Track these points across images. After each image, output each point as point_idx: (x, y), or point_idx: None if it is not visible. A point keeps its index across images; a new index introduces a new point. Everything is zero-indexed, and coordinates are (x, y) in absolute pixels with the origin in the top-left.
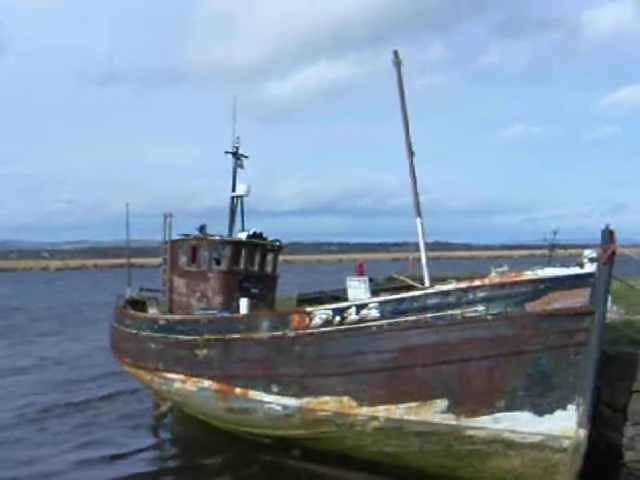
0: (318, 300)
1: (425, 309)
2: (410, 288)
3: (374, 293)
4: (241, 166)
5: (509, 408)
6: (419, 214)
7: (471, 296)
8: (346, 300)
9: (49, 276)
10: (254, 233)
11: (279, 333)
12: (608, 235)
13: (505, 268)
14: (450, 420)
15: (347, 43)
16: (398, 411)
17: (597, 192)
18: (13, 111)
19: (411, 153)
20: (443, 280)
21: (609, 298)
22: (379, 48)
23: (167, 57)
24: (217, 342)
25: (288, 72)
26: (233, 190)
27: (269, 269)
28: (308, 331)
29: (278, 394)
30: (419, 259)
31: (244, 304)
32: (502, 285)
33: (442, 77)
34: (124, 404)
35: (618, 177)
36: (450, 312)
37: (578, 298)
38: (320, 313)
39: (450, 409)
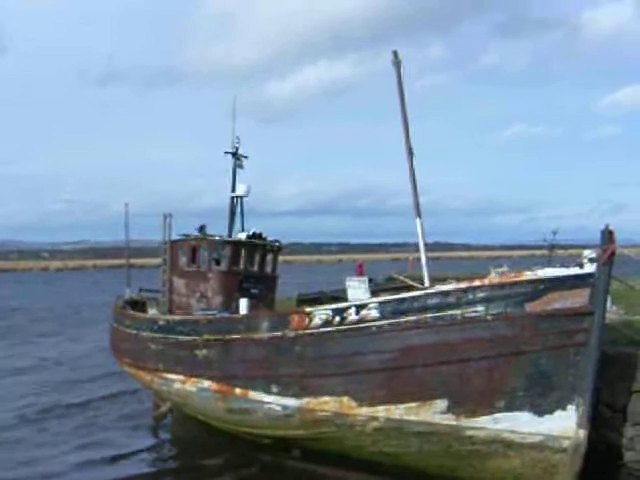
0: (318, 300)
1: (425, 309)
2: (410, 288)
3: (374, 293)
4: (241, 166)
5: (509, 408)
6: (419, 215)
7: (471, 296)
8: (346, 300)
9: (49, 276)
10: (254, 233)
11: (279, 333)
12: (608, 235)
13: (505, 268)
14: (450, 420)
15: (347, 43)
16: (398, 411)
17: (597, 192)
18: (13, 111)
19: (411, 153)
20: (443, 280)
21: (609, 298)
22: (379, 48)
23: (167, 57)
24: (217, 342)
25: (288, 72)
26: (233, 190)
27: (269, 269)
28: (308, 331)
29: (278, 394)
30: (419, 259)
31: (244, 304)
32: (502, 285)
33: (442, 77)
34: (124, 405)
35: (618, 177)
36: (450, 312)
37: (578, 298)
38: (320, 313)
39: (450, 409)
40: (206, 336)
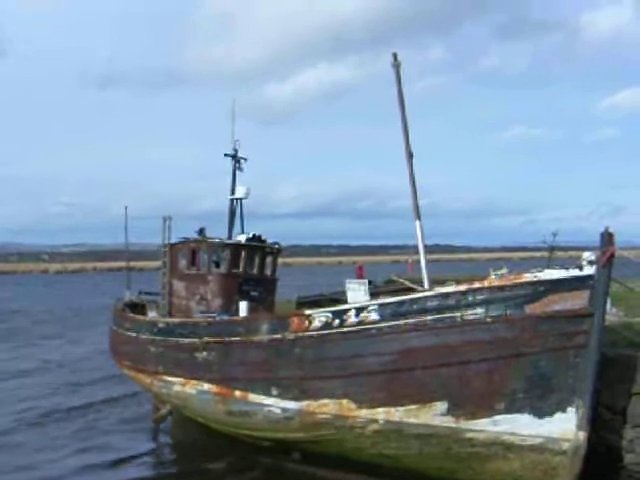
0: (318, 303)
1: (425, 311)
2: (409, 290)
3: (373, 296)
4: (240, 169)
5: (509, 410)
6: (418, 217)
7: (471, 298)
8: (346, 303)
9: (48, 279)
10: (253, 236)
11: (278, 336)
12: (607, 237)
13: (504, 270)
14: (450, 423)
15: (347, 45)
16: (397, 414)
17: (596, 194)
18: (13, 114)
19: (410, 155)
20: (443, 282)
21: (608, 300)
22: (379, 50)
23: (167, 58)
24: (217, 345)
25: (288, 74)
26: (232, 193)
27: (268, 272)
28: (307, 334)
29: (278, 397)
30: (418, 261)
31: (243, 307)
32: (501, 287)
33: (442, 79)
34: (124, 408)
35: (617, 179)
36: (450, 314)
37: (577, 300)
38: (320, 316)
39: (450, 412)
40: (206, 339)
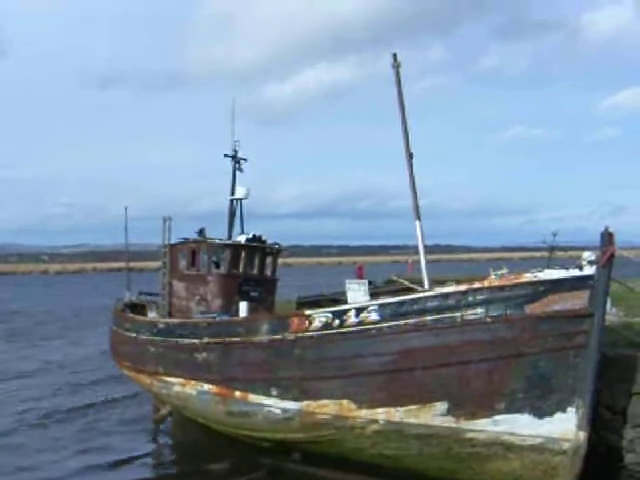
0: (318, 303)
1: (424, 312)
2: (409, 291)
3: (374, 296)
4: (240, 169)
5: (509, 410)
6: (418, 217)
7: (470, 299)
8: (346, 303)
9: (49, 280)
10: (253, 236)
11: (278, 336)
12: (607, 237)
13: (504, 270)
14: (450, 423)
15: (347, 45)
16: (398, 414)
17: (597, 194)
18: (13, 115)
19: (410, 155)
20: (443, 282)
21: (608, 300)
22: (379, 50)
23: (167, 58)
24: (217, 345)
25: (288, 74)
26: (232, 193)
27: (268, 272)
28: (308, 334)
29: (278, 397)
30: (418, 262)
31: (243, 307)
32: (501, 287)
33: (442, 79)
34: (125, 409)
35: (618, 179)
36: (450, 315)
37: (577, 300)
38: (320, 316)
39: (450, 412)
40: (206, 339)
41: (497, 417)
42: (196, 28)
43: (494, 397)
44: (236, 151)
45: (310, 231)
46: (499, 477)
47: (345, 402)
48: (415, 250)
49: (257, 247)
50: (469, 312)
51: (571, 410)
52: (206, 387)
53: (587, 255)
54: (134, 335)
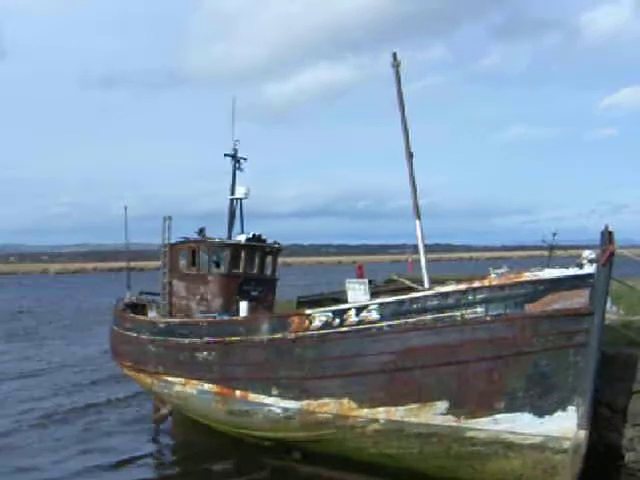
0: (318, 302)
1: (425, 311)
2: (409, 290)
3: (374, 295)
4: (240, 169)
5: (509, 409)
6: (418, 216)
7: (470, 298)
8: (346, 302)
9: (49, 279)
10: (253, 235)
11: (279, 335)
12: (607, 236)
13: (504, 269)
14: (450, 422)
15: (347, 45)
16: (398, 413)
17: (597, 193)
18: (14, 115)
19: (410, 155)
20: (442, 282)
21: (608, 299)
22: (379, 50)
23: (167, 58)
24: (217, 345)
25: (288, 74)
26: (232, 192)
27: (268, 271)
28: (308, 333)
29: (278, 396)
30: (418, 261)
31: (244, 307)
32: (501, 286)
33: (442, 78)
34: (125, 409)
35: (617, 178)
36: (450, 314)
37: (577, 299)
38: (320, 315)
39: (450, 411)
40: (206, 338)
41: (497, 416)
42: (196, 28)
43: (494, 396)
44: (236, 150)
45: (310, 230)
46: (500, 476)
47: (345, 401)
48: (415, 249)
49: (257, 246)
50: (469, 311)
51: (571, 409)
52: (207, 386)
53: (587, 254)
54: (135, 335)
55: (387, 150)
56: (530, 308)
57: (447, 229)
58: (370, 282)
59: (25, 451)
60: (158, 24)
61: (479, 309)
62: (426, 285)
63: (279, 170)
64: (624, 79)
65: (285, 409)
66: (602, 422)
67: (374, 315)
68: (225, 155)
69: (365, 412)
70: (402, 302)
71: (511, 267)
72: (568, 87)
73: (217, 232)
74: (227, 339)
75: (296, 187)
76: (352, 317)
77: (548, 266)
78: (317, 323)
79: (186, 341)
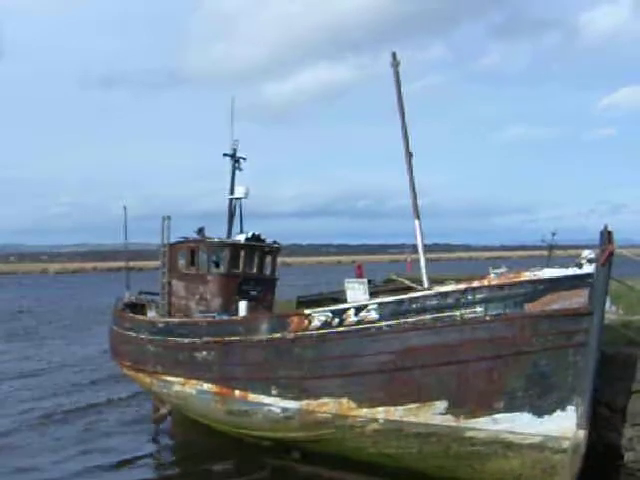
0: (317, 302)
1: (424, 310)
2: (409, 290)
3: (373, 295)
4: (239, 168)
5: (508, 409)
6: (417, 216)
7: (470, 297)
8: (345, 302)
9: (49, 279)
10: (253, 235)
11: (278, 335)
12: (606, 236)
13: (503, 269)
14: (449, 421)
15: (347, 45)
16: (397, 413)
17: (596, 193)
18: (14, 115)
19: (409, 154)
20: (442, 281)
21: (608, 299)
22: (379, 50)
23: (167, 58)
24: (216, 345)
25: (288, 73)
26: (231, 192)
27: (268, 271)
28: (307, 333)
29: (277, 396)
30: (418, 260)
31: (243, 306)
32: (501, 286)
33: (442, 78)
34: (125, 409)
35: (616, 178)
36: (449, 313)
37: (577, 299)
38: (319, 315)
39: (449, 410)
40: (205, 338)
41: (497, 416)
42: (196, 28)
43: (494, 396)
44: (235, 150)
45: (309, 230)
46: (499, 476)
47: (345, 401)
48: (414, 249)
49: (256, 246)
50: (468, 311)
51: (571, 408)
52: (206, 386)
53: (586, 253)
54: (134, 334)
55: (387, 150)
56: (529, 308)
57: (446, 229)
58: (369, 282)
59: (25, 451)
60: (158, 24)
61: (478, 309)
62: (425, 285)
63: (279, 170)
64: (623, 79)
65: (284, 409)
66: (601, 422)
67: (373, 315)
68: (224, 155)
69: (364, 412)
70: (401, 302)
71: (510, 267)
72: (567, 87)
73: (216, 232)
74: (226, 339)
75: (296, 187)
76: (351, 317)
77: (547, 266)
78: (316, 323)
79: (185, 341)
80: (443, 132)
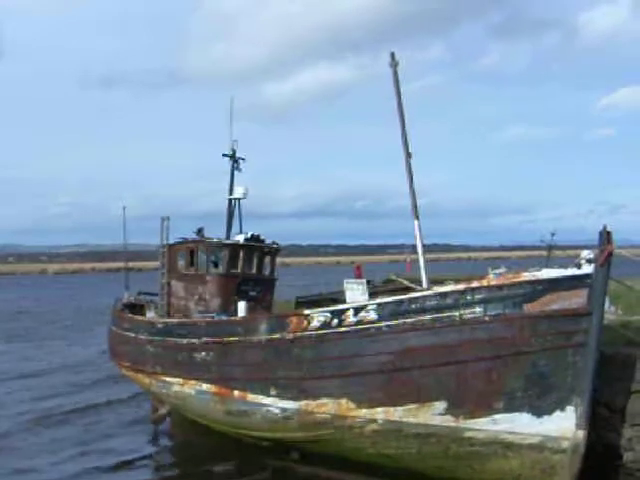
0: (316, 302)
1: (423, 311)
2: (408, 290)
3: (372, 295)
4: (238, 169)
5: (508, 409)
6: (417, 216)
7: (469, 298)
8: (344, 302)
9: (48, 280)
10: (252, 236)
11: (277, 336)
12: (605, 236)
13: (503, 269)
14: (449, 422)
15: (346, 45)
16: (397, 413)
17: (595, 193)
18: (14, 115)
19: (408, 154)
20: (441, 282)
21: (607, 299)
22: (379, 50)
23: (167, 58)
24: (215, 345)
25: (288, 73)
26: (230, 193)
27: (267, 272)
28: (306, 333)
29: (276, 397)
30: (417, 261)
31: (242, 307)
32: (500, 287)
33: (441, 78)
34: (124, 410)
35: (615, 178)
36: (448, 314)
37: (576, 299)
38: (318, 315)
39: (449, 411)
40: (204, 339)
41: (496, 416)
42: (196, 28)
43: (493, 396)
44: (234, 150)
45: (308, 231)
46: (498, 476)
47: (344, 401)
48: (413, 249)
49: (255, 247)
50: (468, 311)
51: (570, 409)
52: (205, 387)
53: (585, 254)
54: (133, 335)
55: (386, 150)
56: (529, 308)
57: (446, 229)
58: (368, 282)
59: (23, 452)
60: (158, 24)
61: (478, 309)
62: (424, 285)
63: (278, 170)
64: (622, 79)
65: (283, 409)
66: (601, 422)
67: (372, 315)
68: (223, 155)
69: (363, 412)
70: (400, 302)
71: (509, 267)
72: (567, 87)
73: (216, 232)
74: (225, 339)
75: (295, 187)
76: (350, 317)
77: (546, 266)
78: (315, 323)
79: (184, 341)
80: (442, 132)
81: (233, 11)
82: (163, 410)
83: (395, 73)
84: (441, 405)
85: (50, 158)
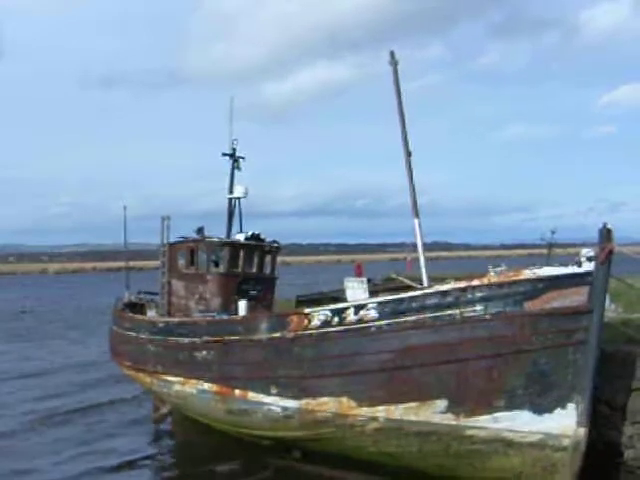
0: (317, 301)
1: (424, 309)
2: (408, 288)
3: (372, 294)
4: (238, 168)
5: (508, 407)
6: (417, 215)
7: (470, 296)
8: (345, 301)
9: (49, 279)
10: (252, 235)
11: (278, 334)
12: (606, 234)
13: (503, 268)
14: (450, 420)
15: (346, 44)
16: (397, 411)
17: (595, 191)
18: (14, 115)
19: (408, 153)
20: (441, 280)
21: (607, 297)
22: (378, 49)
23: (167, 58)
24: (216, 344)
25: (287, 73)
26: (231, 192)
27: (267, 270)
28: (307, 332)
29: (277, 395)
30: (417, 259)
31: (243, 306)
32: (500, 285)
33: (441, 77)
34: (126, 410)
35: (616, 175)
36: (449, 312)
37: (576, 297)
38: (319, 314)
39: (449, 409)
40: (205, 338)
41: (497, 414)
42: (196, 28)
43: (494, 394)
44: (234, 150)
45: (309, 229)
46: (499, 474)
47: (345, 400)
48: (414, 248)
49: (256, 245)
50: (468, 309)
51: (571, 406)
52: (206, 386)
53: (586, 252)
54: (134, 334)
55: (386, 149)
56: (529, 306)
57: (446, 227)
58: (369, 281)
59: (25, 452)
60: (158, 24)
61: (478, 307)
62: (425, 283)
63: (278, 169)
64: (623, 77)
65: (284, 408)
66: (601, 420)
67: (373, 314)
68: (223, 155)
69: (364, 411)
70: (401, 301)
71: (510, 265)
72: (567, 85)
73: (216, 231)
74: (226, 338)
75: (295, 186)
76: (351, 316)
77: (547, 264)
78: (316, 322)
79: (185, 340)
80: (442, 131)
81: (233, 11)
82: (164, 409)
83: (395, 71)
84: (442, 403)
85: (50, 158)
